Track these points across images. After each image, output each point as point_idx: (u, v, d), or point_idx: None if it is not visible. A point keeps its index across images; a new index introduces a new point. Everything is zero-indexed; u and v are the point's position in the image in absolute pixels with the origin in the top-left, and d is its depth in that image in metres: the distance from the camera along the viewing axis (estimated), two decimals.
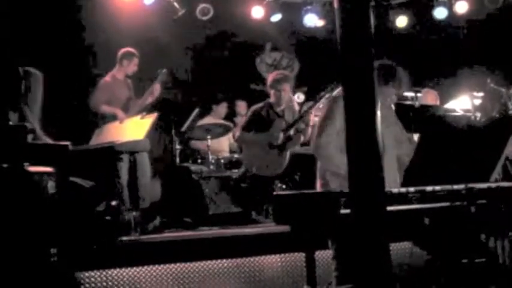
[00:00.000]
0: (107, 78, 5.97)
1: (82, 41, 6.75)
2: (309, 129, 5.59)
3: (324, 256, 3.80)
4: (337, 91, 4.29)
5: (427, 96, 6.29)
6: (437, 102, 6.30)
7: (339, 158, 3.54)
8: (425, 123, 4.57)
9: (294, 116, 5.72)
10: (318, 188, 3.80)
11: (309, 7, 7.79)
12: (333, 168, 3.70)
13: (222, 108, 7.27)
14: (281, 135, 5.54)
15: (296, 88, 7.56)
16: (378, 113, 1.94)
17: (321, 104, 5.37)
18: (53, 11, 6.51)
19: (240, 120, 6.72)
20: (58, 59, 6.29)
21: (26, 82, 3.86)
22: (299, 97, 6.17)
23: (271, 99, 5.73)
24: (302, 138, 5.66)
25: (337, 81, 5.37)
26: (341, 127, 3.48)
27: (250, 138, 5.65)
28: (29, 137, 3.83)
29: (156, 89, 5.92)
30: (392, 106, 4.13)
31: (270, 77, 5.86)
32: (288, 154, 5.58)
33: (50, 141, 4.04)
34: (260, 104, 5.80)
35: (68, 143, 4.12)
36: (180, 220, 5.61)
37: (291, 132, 5.58)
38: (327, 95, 5.33)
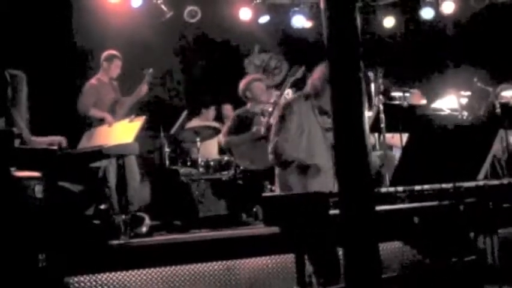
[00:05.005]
0: (93, 81, 5.95)
1: (70, 43, 6.72)
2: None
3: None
4: (292, 96, 4.44)
5: (413, 97, 6.35)
6: (423, 101, 6.37)
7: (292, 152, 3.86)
8: (414, 122, 4.60)
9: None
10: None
11: (296, 8, 7.81)
12: (284, 158, 3.94)
13: (211, 112, 7.28)
14: (262, 127, 5.65)
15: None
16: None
17: (286, 91, 5.76)
18: (41, 14, 6.47)
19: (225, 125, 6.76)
20: (46, 62, 6.26)
21: (12, 85, 3.82)
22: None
23: (248, 104, 5.93)
24: None
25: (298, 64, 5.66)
26: (297, 128, 3.93)
27: (236, 140, 5.79)
28: (16, 142, 3.80)
29: (143, 90, 5.94)
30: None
31: (240, 86, 5.98)
32: None
33: (37, 141, 4.01)
34: (241, 108, 6.00)
35: (55, 147, 4.10)
36: (169, 223, 5.59)
37: (271, 120, 5.70)
38: (291, 79, 5.71)
